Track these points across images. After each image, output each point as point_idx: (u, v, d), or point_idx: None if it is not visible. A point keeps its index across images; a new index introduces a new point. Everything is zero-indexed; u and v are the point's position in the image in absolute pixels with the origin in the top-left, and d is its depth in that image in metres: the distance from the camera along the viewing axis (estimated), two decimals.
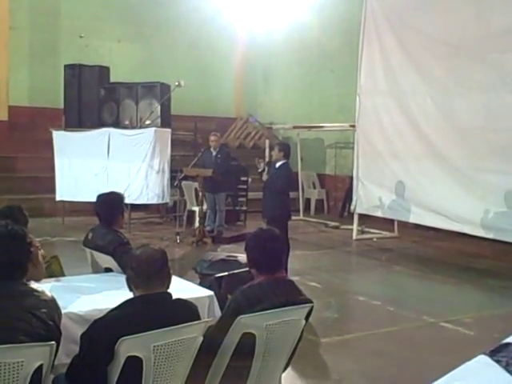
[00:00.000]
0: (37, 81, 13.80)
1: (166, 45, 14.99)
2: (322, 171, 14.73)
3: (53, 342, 2.62)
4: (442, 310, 6.51)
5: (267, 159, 13.13)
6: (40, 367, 2.60)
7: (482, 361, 2.50)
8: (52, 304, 2.81)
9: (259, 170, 7.88)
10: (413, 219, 9.83)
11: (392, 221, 10.79)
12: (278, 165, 7.41)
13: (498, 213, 8.28)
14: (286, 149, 7.54)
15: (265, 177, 7.57)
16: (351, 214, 11.06)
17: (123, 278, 3.13)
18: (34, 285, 2.83)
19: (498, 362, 2.47)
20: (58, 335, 2.76)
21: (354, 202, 10.75)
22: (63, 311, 2.91)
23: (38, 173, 11.94)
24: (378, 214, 10.37)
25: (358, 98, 10.58)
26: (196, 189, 10.86)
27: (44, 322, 2.68)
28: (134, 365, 2.78)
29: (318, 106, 14.64)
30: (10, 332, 2.59)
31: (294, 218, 8.37)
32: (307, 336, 4.00)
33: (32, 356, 2.56)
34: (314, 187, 14.52)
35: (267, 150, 13.55)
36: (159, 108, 11.42)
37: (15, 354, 2.52)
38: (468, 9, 8.76)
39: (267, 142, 13.92)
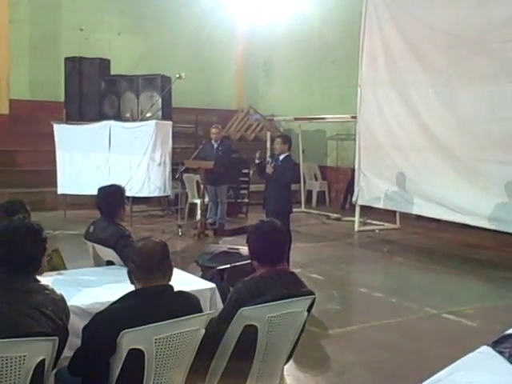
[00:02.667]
0: (37, 74, 13.78)
1: (166, 37, 14.94)
2: (323, 163, 14.70)
3: (55, 337, 2.62)
4: (445, 302, 6.50)
5: (269, 151, 13.11)
6: (42, 362, 2.60)
7: (485, 352, 2.49)
8: (61, 303, 2.82)
9: (256, 162, 7.75)
10: (415, 210, 9.81)
11: (394, 212, 10.77)
12: (281, 157, 7.36)
13: (500, 204, 8.25)
14: (290, 141, 7.54)
15: (270, 169, 7.42)
16: (353, 206, 11.05)
17: (125, 270, 3.12)
18: (43, 281, 2.84)
19: (500, 352, 2.47)
20: (65, 335, 2.77)
21: (355, 194, 10.73)
22: (68, 310, 2.92)
23: (39, 166, 11.94)
24: (380, 205, 10.34)
25: (359, 89, 10.55)
26: (197, 181, 10.84)
27: (52, 320, 2.68)
28: (135, 357, 2.78)
29: (320, 98, 14.60)
30: (17, 327, 2.58)
31: (295, 210, 8.37)
32: (309, 328, 3.99)
33: (34, 350, 2.56)
34: (316, 179, 14.49)
35: (268, 142, 13.52)
36: (160, 100, 11.40)
37: (17, 349, 2.51)
38: None
39: (268, 134, 13.87)
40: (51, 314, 2.69)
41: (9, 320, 2.58)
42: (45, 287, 2.81)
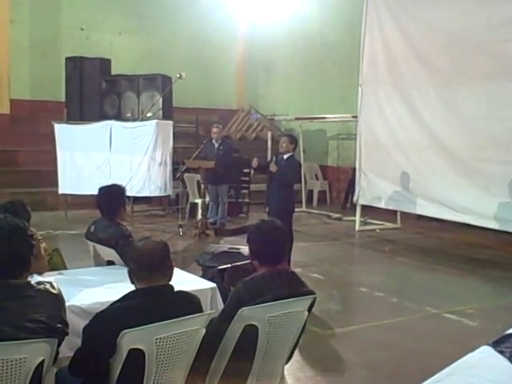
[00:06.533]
0: (38, 74, 13.79)
1: (167, 37, 14.95)
2: (324, 163, 14.70)
3: (55, 339, 2.60)
4: (445, 301, 6.50)
5: (269, 151, 13.14)
6: (41, 362, 2.59)
7: (486, 352, 2.48)
8: (57, 300, 2.75)
9: (254, 166, 7.81)
10: (416, 210, 9.80)
11: (395, 212, 10.77)
12: (285, 157, 7.32)
13: (501, 203, 8.25)
14: (296, 142, 7.52)
15: (273, 167, 7.38)
16: (354, 206, 11.04)
17: (125, 270, 3.12)
18: (37, 279, 2.79)
19: (501, 352, 2.46)
20: (65, 333, 2.72)
21: (356, 194, 10.72)
22: (65, 304, 2.89)
23: (40, 166, 11.94)
24: (381, 205, 10.33)
25: (359, 89, 10.54)
26: (198, 181, 10.83)
27: (50, 326, 2.62)
28: (136, 357, 2.78)
29: (320, 97, 14.59)
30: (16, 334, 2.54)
31: (296, 209, 8.36)
32: (310, 328, 4.00)
33: (34, 352, 2.55)
34: (317, 179, 14.49)
35: (269, 142, 13.53)
36: (161, 100, 11.40)
37: (18, 351, 2.51)
38: None
39: (269, 133, 13.88)
40: (49, 321, 2.63)
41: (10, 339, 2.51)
42: (38, 288, 2.71)
